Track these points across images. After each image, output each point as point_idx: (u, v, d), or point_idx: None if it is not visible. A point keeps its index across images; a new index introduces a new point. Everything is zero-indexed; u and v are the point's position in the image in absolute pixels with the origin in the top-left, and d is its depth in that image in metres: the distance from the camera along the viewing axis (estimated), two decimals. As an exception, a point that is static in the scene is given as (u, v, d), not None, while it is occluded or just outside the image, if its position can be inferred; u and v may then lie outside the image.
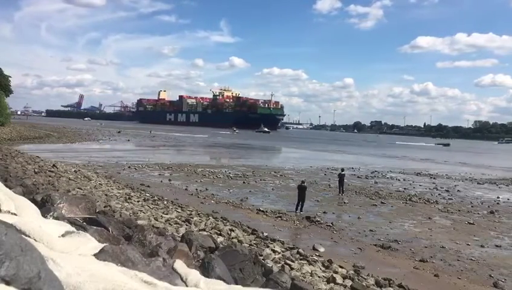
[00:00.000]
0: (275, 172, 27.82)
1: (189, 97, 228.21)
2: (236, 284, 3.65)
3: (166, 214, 13.04)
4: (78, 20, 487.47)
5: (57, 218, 3.79)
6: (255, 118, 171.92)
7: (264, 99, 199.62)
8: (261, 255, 8.68)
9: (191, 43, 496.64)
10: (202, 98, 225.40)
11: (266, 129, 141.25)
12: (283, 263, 8.77)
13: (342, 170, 21.10)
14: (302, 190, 15.90)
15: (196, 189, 19.44)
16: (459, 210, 17.68)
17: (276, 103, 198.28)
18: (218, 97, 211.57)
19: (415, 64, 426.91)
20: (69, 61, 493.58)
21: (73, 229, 3.11)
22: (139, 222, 9.19)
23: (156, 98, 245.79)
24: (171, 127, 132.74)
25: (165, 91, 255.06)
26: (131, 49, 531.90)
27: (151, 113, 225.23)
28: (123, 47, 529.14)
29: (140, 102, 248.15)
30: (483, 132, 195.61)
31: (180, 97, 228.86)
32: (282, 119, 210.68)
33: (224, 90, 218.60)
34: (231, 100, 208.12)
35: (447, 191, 23.25)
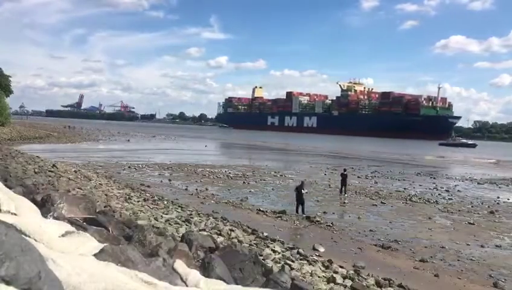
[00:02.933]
0: (275, 172, 27.81)
1: (301, 94, 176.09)
2: (236, 284, 3.65)
3: (166, 214, 13.04)
4: (63, 15, 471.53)
5: (57, 218, 3.80)
6: (415, 122, 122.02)
7: (428, 95, 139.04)
8: (261, 255, 8.67)
9: (181, 40, 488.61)
10: (317, 95, 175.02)
11: (469, 142, 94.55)
12: (283, 263, 8.76)
13: (345, 170, 21.12)
14: (299, 191, 15.27)
15: (196, 189, 19.43)
16: (459, 210, 17.67)
17: (443, 99, 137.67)
18: (349, 93, 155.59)
19: (439, 65, 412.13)
20: (65, 60, 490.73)
21: (73, 229, 3.11)
22: (139, 222, 9.19)
23: (250, 97, 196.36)
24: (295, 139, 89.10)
25: (261, 88, 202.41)
26: (121, 47, 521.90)
27: (245, 116, 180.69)
28: (112, 45, 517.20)
29: (229, 102, 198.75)
30: (483, 131, 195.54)
31: (289, 94, 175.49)
32: (455, 124, 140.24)
33: (355, 83, 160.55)
34: (365, 96, 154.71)
35: (447, 191, 23.25)
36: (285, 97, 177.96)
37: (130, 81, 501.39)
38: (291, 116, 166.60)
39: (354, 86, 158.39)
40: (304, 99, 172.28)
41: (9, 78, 59.27)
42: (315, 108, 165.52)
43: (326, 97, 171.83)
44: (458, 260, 10.80)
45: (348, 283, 8.09)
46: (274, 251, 9.80)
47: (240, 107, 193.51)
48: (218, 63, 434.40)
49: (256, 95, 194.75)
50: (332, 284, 7.93)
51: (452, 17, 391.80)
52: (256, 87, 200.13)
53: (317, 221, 14.16)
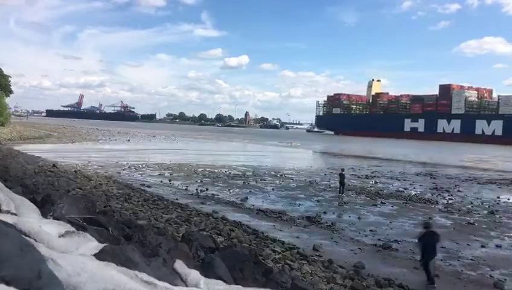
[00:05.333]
0: (274, 172, 27.81)
1: (462, 87, 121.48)
2: (236, 284, 3.65)
3: (166, 214, 13.05)
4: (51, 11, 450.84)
5: (57, 218, 3.80)
6: None
7: None
8: (261, 255, 8.68)
9: (174, 37, 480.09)
10: (480, 88, 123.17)
11: None
12: (283, 263, 8.78)
13: (342, 170, 21.14)
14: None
15: (196, 189, 19.43)
16: (459, 210, 17.65)
17: None
18: None
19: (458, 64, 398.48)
20: (65, 60, 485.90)
21: (73, 229, 3.11)
22: (139, 222, 9.21)
23: (365, 95, 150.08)
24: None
25: (379, 81, 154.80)
26: (121, 46, 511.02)
27: (364, 119, 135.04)
28: (104, 42, 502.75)
29: (336, 100, 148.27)
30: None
31: (444, 88, 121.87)
32: None
33: None
34: None
35: (447, 191, 23.22)
36: (437, 92, 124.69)
37: (130, 80, 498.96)
38: (450, 119, 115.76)
39: None
40: (471, 95, 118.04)
41: (9, 78, 59.32)
42: (498, 107, 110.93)
43: (490, 92, 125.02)
44: (458, 260, 10.79)
45: (348, 283, 8.09)
46: (274, 251, 9.81)
47: (352, 106, 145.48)
48: (222, 62, 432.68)
49: (375, 91, 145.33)
50: (332, 284, 7.93)
51: (485, 19, 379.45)
52: (373, 80, 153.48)
53: (317, 221, 14.16)
